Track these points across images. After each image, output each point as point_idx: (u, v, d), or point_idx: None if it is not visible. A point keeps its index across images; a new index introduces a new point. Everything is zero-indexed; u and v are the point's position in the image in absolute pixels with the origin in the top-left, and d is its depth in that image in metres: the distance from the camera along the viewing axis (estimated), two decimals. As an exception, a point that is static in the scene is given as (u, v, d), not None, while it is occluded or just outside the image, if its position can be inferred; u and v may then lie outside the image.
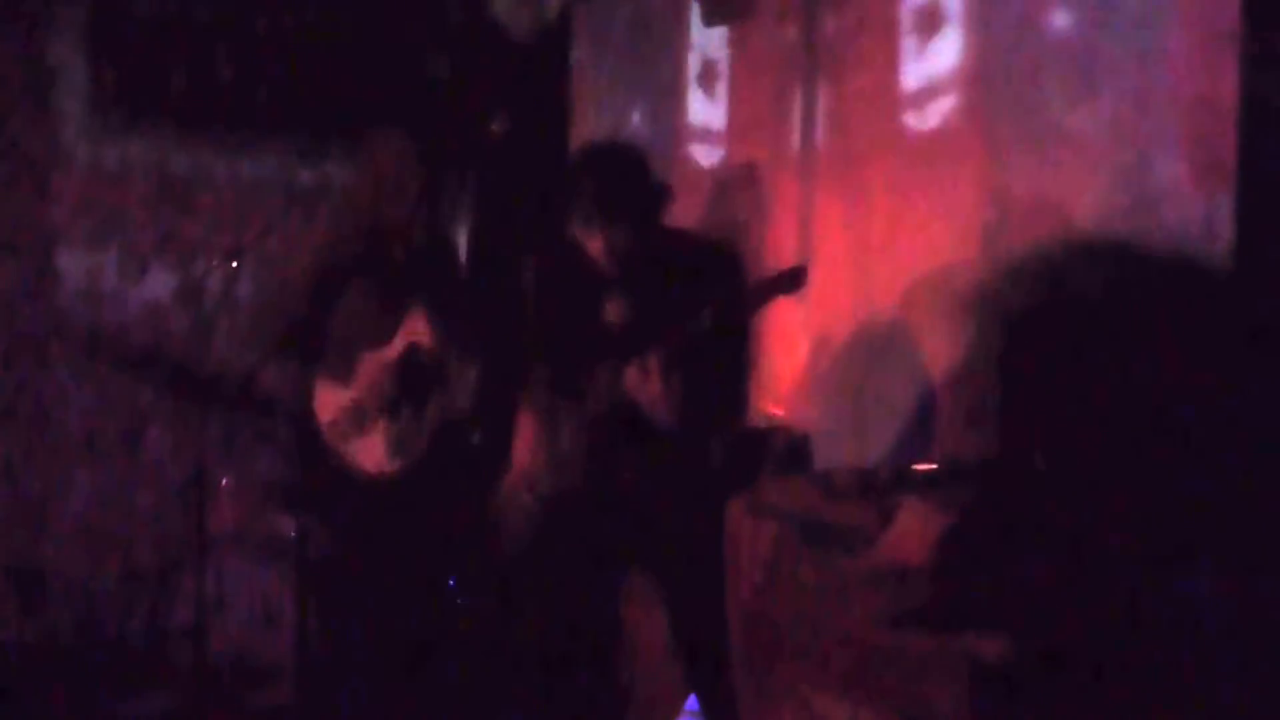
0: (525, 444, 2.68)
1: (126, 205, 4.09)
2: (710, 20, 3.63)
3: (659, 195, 2.63)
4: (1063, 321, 2.55)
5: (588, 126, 4.07)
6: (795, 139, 3.46)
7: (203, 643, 3.22)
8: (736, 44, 3.62)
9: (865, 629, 1.80)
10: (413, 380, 2.96)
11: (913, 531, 1.73)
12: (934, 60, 3.15)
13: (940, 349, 3.06)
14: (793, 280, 2.40)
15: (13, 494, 3.88)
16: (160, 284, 4.11)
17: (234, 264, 3.37)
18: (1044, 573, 1.71)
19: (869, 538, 1.88)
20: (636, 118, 3.99)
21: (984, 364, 2.87)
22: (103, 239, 4.06)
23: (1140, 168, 2.28)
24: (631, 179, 2.59)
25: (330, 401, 2.93)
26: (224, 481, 3.61)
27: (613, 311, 2.58)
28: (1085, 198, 2.49)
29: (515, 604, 2.87)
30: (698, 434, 2.52)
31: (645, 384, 2.42)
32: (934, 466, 2.12)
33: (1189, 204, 2.12)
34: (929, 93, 3.23)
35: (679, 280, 2.50)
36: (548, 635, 2.72)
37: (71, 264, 4.01)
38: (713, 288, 2.43)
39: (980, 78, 2.93)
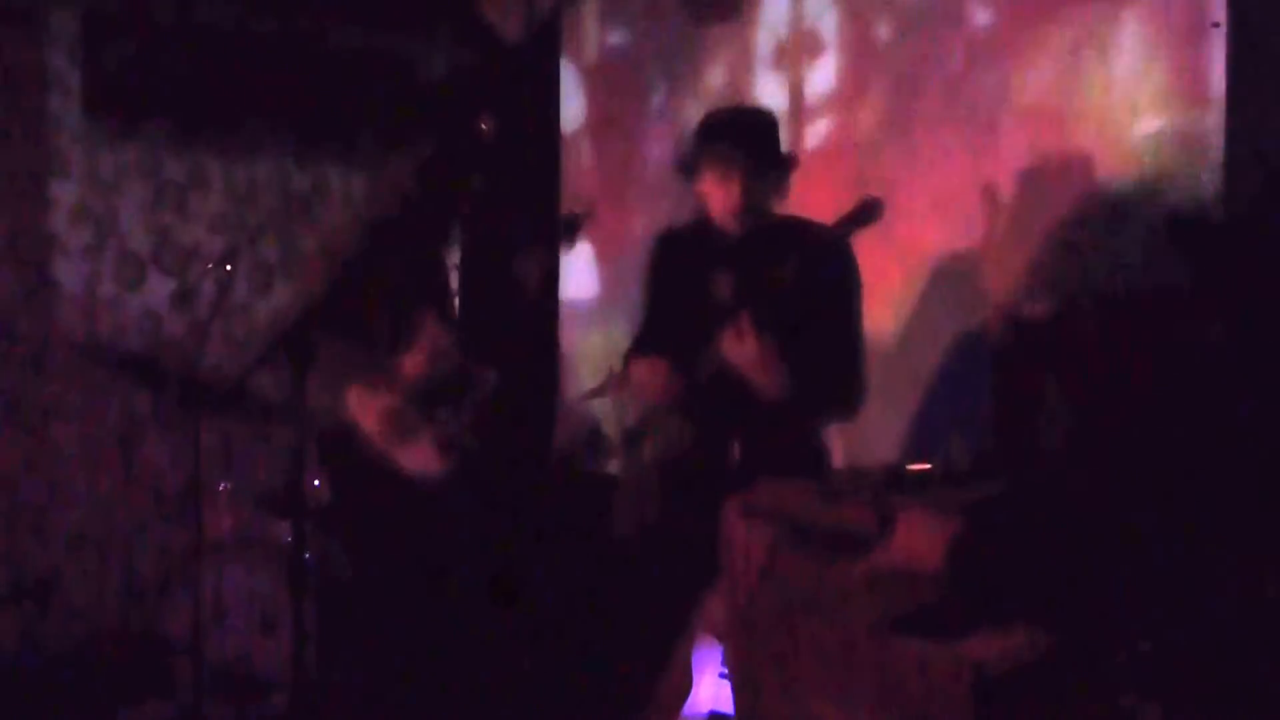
0: (644, 421, 2.65)
1: (123, 211, 4.08)
2: (699, 21, 3.66)
3: (791, 160, 2.66)
4: (1060, 318, 2.53)
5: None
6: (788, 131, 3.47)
7: (201, 650, 3.20)
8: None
9: (864, 634, 1.78)
10: (441, 383, 3.02)
11: (912, 535, 1.71)
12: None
13: (938, 347, 3.04)
14: (868, 212, 2.36)
15: (11, 502, 3.87)
16: (157, 290, 4.11)
17: (228, 267, 3.35)
18: (1046, 575, 1.68)
19: (866, 541, 1.86)
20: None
21: (984, 364, 2.86)
22: (99, 246, 4.05)
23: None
24: (776, 135, 2.64)
25: (372, 409, 2.95)
26: (221, 487, 3.59)
27: (720, 287, 2.56)
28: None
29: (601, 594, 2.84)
30: (805, 396, 2.47)
31: (742, 348, 2.38)
32: (928, 467, 2.09)
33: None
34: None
35: (775, 255, 2.47)
36: (630, 627, 2.68)
37: (69, 271, 4.00)
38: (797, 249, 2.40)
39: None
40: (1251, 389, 1.75)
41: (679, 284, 2.69)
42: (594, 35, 4.20)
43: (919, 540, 1.73)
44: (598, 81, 4.17)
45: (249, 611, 3.57)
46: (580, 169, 4.21)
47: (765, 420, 2.48)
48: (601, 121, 4.16)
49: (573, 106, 4.22)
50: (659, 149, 3.81)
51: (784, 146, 2.68)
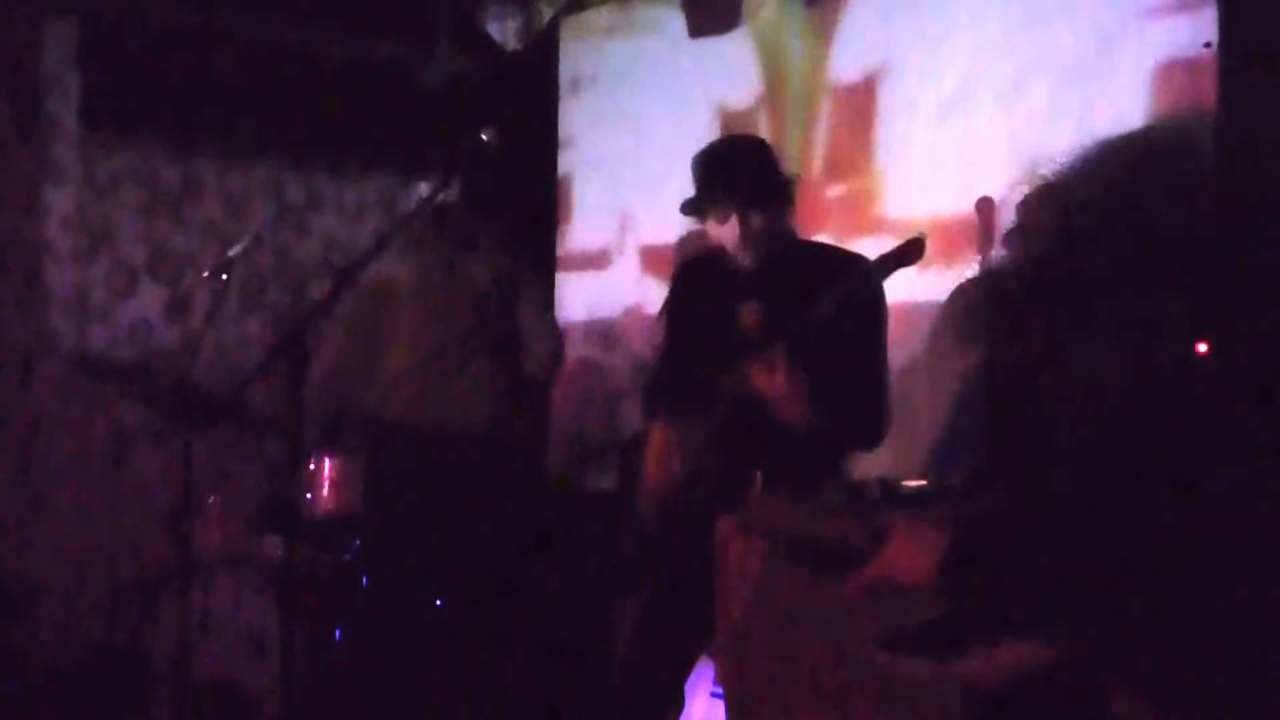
0: (657, 455, 2.58)
1: (116, 218, 4.05)
2: (696, 32, 3.67)
3: (790, 181, 2.64)
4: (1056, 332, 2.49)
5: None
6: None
7: (187, 667, 3.14)
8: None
9: (856, 651, 1.73)
10: None
11: (903, 549, 1.66)
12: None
13: (942, 364, 3.01)
14: (912, 252, 2.32)
15: (-4, 512, 3.82)
16: (149, 298, 4.07)
17: (223, 276, 3.30)
18: (1042, 588, 1.63)
19: (859, 556, 1.81)
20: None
21: (982, 378, 2.82)
22: (92, 253, 4.01)
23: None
24: (767, 164, 2.61)
25: None
26: (210, 501, 3.53)
27: (745, 317, 2.51)
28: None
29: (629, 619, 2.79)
30: (830, 429, 2.41)
31: (772, 380, 2.33)
32: (924, 483, 2.05)
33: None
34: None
35: (805, 288, 2.42)
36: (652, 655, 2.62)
37: (60, 278, 3.95)
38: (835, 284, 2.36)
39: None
40: (1245, 404, 1.71)
41: (702, 316, 2.64)
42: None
43: (910, 554, 1.68)
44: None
45: (237, 630, 3.51)
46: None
47: (789, 449, 2.41)
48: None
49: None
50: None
51: (779, 167, 2.64)
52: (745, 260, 2.57)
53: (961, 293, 3.00)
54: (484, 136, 2.55)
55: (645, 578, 2.63)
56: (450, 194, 3.13)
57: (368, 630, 3.36)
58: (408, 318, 3.40)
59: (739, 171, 2.56)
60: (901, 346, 3.07)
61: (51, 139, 3.93)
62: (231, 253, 3.28)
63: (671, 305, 2.77)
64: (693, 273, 2.76)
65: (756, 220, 2.52)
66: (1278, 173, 2.22)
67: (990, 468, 2.43)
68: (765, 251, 2.55)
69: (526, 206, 4.04)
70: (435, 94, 4.24)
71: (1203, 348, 1.88)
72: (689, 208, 2.60)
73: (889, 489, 2.02)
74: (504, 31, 4.13)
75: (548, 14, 4.07)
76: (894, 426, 3.01)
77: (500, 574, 3.37)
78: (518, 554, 3.41)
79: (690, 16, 3.69)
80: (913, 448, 2.98)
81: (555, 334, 3.39)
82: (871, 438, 2.54)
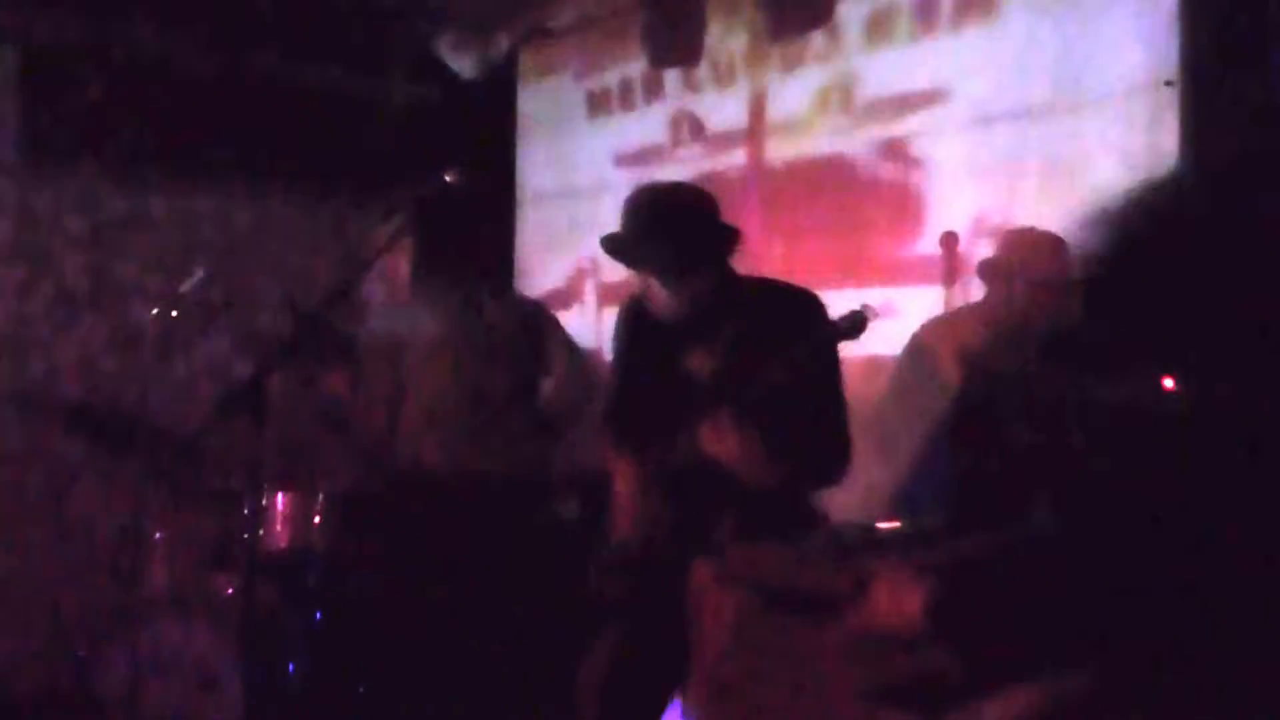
0: (616, 511, 2.52)
1: (58, 249, 3.94)
2: (657, 63, 3.66)
3: (731, 237, 2.43)
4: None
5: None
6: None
7: (136, 709, 3.05)
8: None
9: (838, 705, 1.72)
10: None
11: (887, 598, 1.65)
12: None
13: (913, 409, 3.02)
14: (856, 326, 2.24)
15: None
16: (93, 330, 3.96)
17: (173, 313, 3.22)
18: (1033, 639, 1.62)
19: (839, 604, 1.80)
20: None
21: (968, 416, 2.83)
22: (32, 284, 3.90)
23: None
24: (700, 222, 2.40)
25: None
26: (156, 536, 3.43)
27: (695, 363, 2.42)
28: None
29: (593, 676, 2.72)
30: (787, 484, 2.36)
31: (722, 445, 2.27)
32: (898, 525, 2.04)
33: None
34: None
35: (754, 330, 2.36)
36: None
37: (1, 310, 3.84)
38: (787, 337, 2.27)
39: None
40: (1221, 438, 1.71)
41: (651, 354, 2.52)
42: None
43: (894, 601, 1.67)
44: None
45: (186, 669, 3.42)
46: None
47: (753, 495, 2.36)
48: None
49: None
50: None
51: (719, 222, 2.44)
52: (679, 313, 2.40)
53: (922, 337, 3.01)
54: (448, 178, 2.47)
55: (614, 615, 2.59)
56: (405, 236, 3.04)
57: (322, 667, 3.29)
58: (430, 365, 3.26)
59: (668, 227, 2.35)
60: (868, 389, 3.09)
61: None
62: (183, 289, 3.20)
63: (622, 340, 2.64)
64: (641, 309, 2.59)
65: (682, 279, 2.35)
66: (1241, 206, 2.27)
67: (962, 509, 2.44)
68: (704, 304, 2.39)
69: (487, 243, 4.00)
70: (390, 121, 4.19)
71: (1169, 383, 1.90)
72: (615, 247, 2.41)
73: (867, 533, 2.01)
74: (461, 61, 4.10)
75: (506, 44, 4.04)
76: (866, 470, 3.01)
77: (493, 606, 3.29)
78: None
79: (651, 48, 3.67)
80: (883, 489, 2.98)
81: (583, 373, 3.26)
82: (835, 477, 2.48)
